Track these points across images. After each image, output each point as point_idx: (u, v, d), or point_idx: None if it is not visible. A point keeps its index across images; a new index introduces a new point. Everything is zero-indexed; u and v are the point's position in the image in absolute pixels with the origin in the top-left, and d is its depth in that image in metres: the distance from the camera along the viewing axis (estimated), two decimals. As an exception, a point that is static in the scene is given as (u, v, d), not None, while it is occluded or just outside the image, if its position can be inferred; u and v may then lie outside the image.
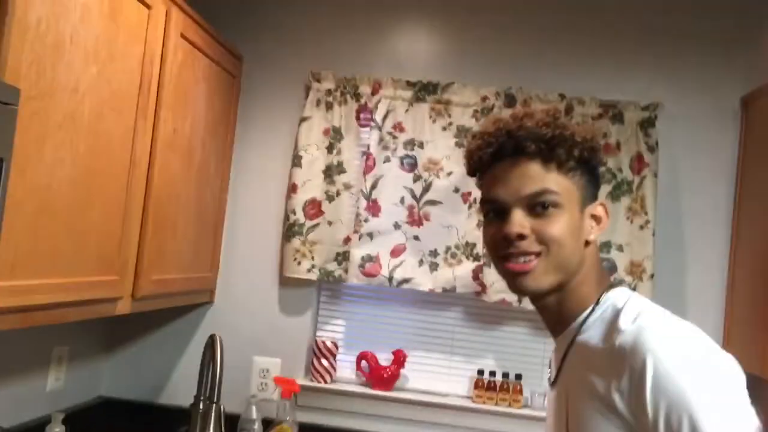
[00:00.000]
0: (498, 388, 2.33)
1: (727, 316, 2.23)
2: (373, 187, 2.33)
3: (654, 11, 2.35)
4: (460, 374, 2.41)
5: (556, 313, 1.05)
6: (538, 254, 0.99)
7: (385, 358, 2.39)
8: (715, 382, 0.88)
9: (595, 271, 1.05)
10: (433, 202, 2.32)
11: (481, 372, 2.35)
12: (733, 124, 2.29)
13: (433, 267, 2.31)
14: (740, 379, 0.90)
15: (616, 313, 0.97)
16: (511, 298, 2.24)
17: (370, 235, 2.32)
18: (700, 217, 2.29)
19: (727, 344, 2.19)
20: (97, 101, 1.53)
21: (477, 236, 2.28)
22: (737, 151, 2.27)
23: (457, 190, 2.31)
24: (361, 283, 2.33)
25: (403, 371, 2.38)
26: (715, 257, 2.27)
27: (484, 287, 2.26)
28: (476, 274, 2.27)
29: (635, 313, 0.95)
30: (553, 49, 2.38)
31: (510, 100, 2.31)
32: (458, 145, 2.32)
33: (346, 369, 2.43)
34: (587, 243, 1.03)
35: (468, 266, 2.28)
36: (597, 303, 1.02)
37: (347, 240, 2.35)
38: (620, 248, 2.23)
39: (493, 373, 2.35)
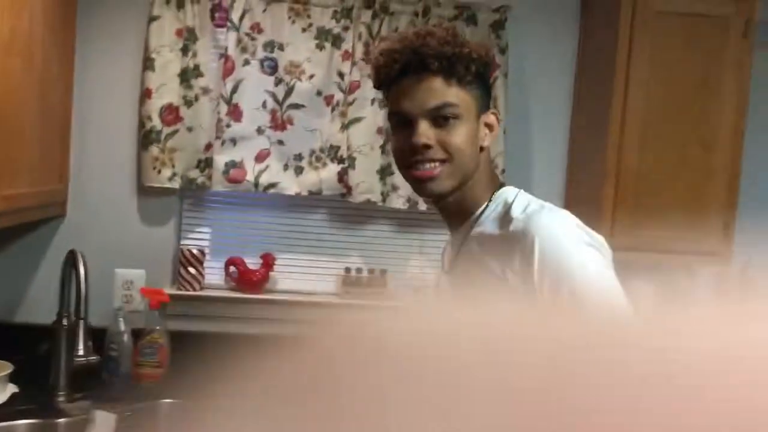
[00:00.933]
0: (365, 283, 2.45)
1: (566, 202, 2.47)
2: (234, 91, 2.27)
3: None
4: (328, 273, 2.50)
5: (454, 211, 1.18)
6: (442, 161, 1.11)
7: (253, 263, 2.41)
8: (589, 255, 1.03)
9: (487, 172, 1.19)
10: (296, 106, 2.31)
11: (348, 269, 2.45)
12: (573, 24, 2.45)
13: (299, 171, 2.33)
14: (609, 253, 1.07)
15: (508, 206, 1.12)
16: (376, 197, 2.33)
17: (233, 141, 2.28)
18: (544, 113, 2.47)
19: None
20: None
21: (341, 139, 2.32)
22: (577, 48, 2.45)
23: (319, 93, 2.31)
24: (227, 190, 2.30)
25: (272, 274, 2.42)
26: (556, 149, 2.48)
27: (349, 189, 2.32)
28: (341, 177, 2.32)
29: (524, 205, 1.11)
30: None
31: (369, 1, 2.31)
32: (319, 47, 2.30)
33: (214, 276, 2.43)
34: (482, 149, 1.16)
35: (333, 169, 2.33)
36: (490, 200, 1.16)
37: (209, 146, 2.29)
38: (475, 146, 2.37)
39: (359, 270, 2.46)
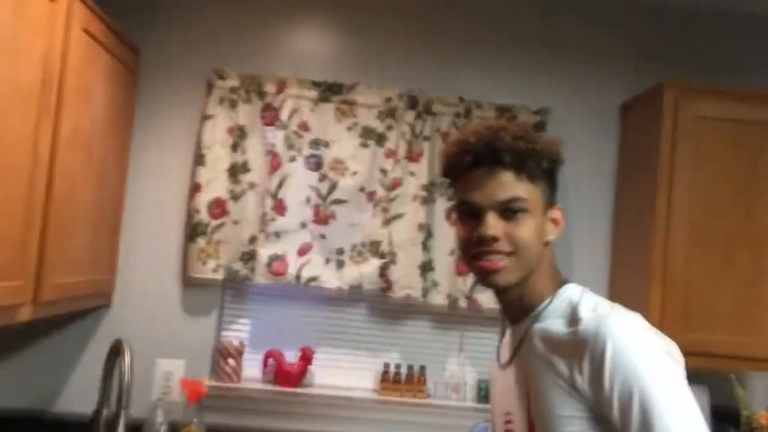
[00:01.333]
0: (403, 380, 2.41)
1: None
2: (279, 186, 2.34)
3: (547, 20, 2.52)
4: (366, 369, 2.47)
5: (517, 304, 1.18)
6: (509, 254, 1.12)
7: (292, 356, 2.40)
8: (662, 362, 1.01)
9: (551, 267, 1.19)
10: (338, 201, 2.36)
11: (386, 366, 2.42)
12: (613, 128, 2.49)
13: (340, 265, 2.35)
14: (681, 361, 1.05)
15: (575, 305, 1.11)
16: (416, 293, 2.33)
17: (277, 234, 2.32)
18: (585, 213, 2.48)
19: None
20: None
21: (382, 234, 2.35)
22: (616, 152, 2.48)
23: (362, 189, 2.36)
24: (269, 282, 2.33)
25: (310, 368, 2.40)
26: (598, 254, 2.47)
27: (389, 284, 2.33)
28: (382, 271, 2.34)
29: (593, 305, 1.09)
30: (453, 53, 2.48)
31: (413, 102, 2.39)
32: (363, 145, 2.38)
33: (252, 369, 2.42)
34: (546, 243, 1.16)
35: (374, 264, 2.34)
36: (554, 296, 1.15)
37: (253, 239, 2.34)
38: (516, 244, 2.37)
39: (398, 367, 2.43)
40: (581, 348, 1.04)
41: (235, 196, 2.34)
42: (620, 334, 1.02)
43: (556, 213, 1.18)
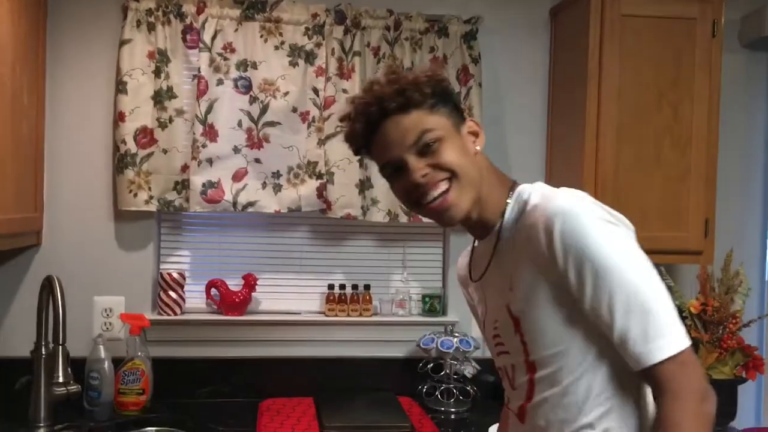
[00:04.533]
0: (348, 300, 2.42)
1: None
2: (208, 111, 2.26)
3: (470, -73, 2.45)
4: (311, 291, 2.47)
5: (478, 223, 1.19)
6: (447, 179, 1.12)
7: (235, 284, 2.38)
8: (609, 228, 1.05)
9: (495, 175, 1.20)
10: (271, 124, 2.30)
11: (331, 287, 2.42)
12: (544, 33, 2.48)
13: (277, 188, 2.31)
14: (632, 228, 1.09)
15: (525, 203, 1.14)
16: (356, 212, 2.31)
17: (210, 161, 2.26)
18: (519, 121, 2.48)
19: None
20: None
21: (318, 154, 2.31)
22: (548, 56, 2.47)
23: (295, 110, 2.30)
24: (205, 211, 2.27)
25: (254, 295, 2.39)
26: (535, 158, 2.49)
27: (329, 204, 2.31)
28: (320, 192, 2.31)
29: (538, 194, 1.12)
30: (379, -36, 2.40)
31: (340, 17, 2.32)
32: (292, 64, 2.30)
33: (195, 299, 2.39)
34: (476, 155, 1.17)
35: (312, 185, 2.31)
36: (510, 202, 1.17)
37: (185, 168, 2.27)
38: (452, 156, 2.37)
39: (342, 287, 2.43)
40: (537, 232, 1.07)
41: (163, 124, 2.25)
42: (567, 209, 1.05)
43: (470, 126, 1.19)
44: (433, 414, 2.21)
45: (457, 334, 2.32)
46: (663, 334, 1.01)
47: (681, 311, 2.11)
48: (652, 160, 2.15)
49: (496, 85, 2.46)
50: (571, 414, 1.10)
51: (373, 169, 2.33)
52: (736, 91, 2.50)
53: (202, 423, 2.06)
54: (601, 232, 1.03)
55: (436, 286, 2.52)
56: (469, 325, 2.44)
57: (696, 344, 2.06)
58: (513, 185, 1.19)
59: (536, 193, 1.14)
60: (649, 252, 1.08)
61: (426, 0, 2.40)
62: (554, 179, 2.43)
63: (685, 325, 2.09)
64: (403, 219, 2.37)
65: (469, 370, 2.30)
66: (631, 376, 1.07)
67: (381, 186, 2.34)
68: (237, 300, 2.35)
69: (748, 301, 2.21)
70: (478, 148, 1.18)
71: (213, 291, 2.36)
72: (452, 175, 1.12)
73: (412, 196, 1.14)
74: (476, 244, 1.29)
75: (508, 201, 1.17)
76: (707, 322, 2.06)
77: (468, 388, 2.30)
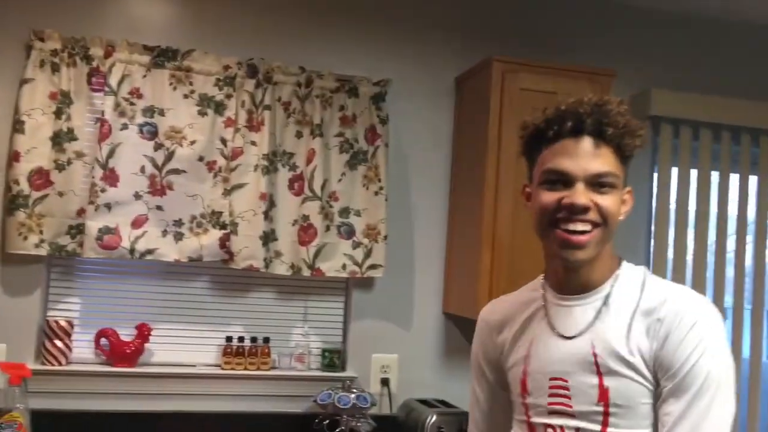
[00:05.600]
0: (246, 353, 2.38)
1: (446, 269, 2.55)
2: (110, 155, 2.21)
3: (383, -5, 2.56)
4: (208, 343, 2.41)
5: (583, 278, 1.19)
6: (596, 225, 1.12)
7: (127, 334, 2.30)
8: (730, 359, 1.12)
9: (611, 245, 1.21)
10: (176, 171, 2.27)
11: (229, 339, 2.38)
12: (449, 100, 2.59)
13: (178, 237, 2.27)
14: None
15: (646, 280, 1.18)
16: (259, 264, 2.30)
17: (108, 206, 2.20)
18: (424, 182, 2.56)
19: (447, 293, 2.51)
20: None
21: (223, 205, 2.30)
22: (452, 122, 2.58)
23: (201, 159, 2.29)
24: (100, 257, 2.20)
25: (147, 346, 2.31)
26: (436, 217, 2.56)
27: (231, 255, 2.29)
28: (223, 243, 2.29)
29: (666, 283, 1.19)
30: (294, 22, 2.46)
31: (252, 71, 2.34)
32: (201, 113, 2.30)
33: (84, 349, 2.29)
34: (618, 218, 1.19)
35: (215, 234, 2.29)
36: (619, 271, 1.20)
37: (81, 212, 2.20)
38: (358, 213, 2.41)
39: (241, 339, 2.39)
40: (664, 324, 1.11)
41: (60, 166, 2.19)
42: (708, 317, 1.11)
43: (626, 195, 1.20)
44: (327, 472, 2.19)
45: (354, 390, 2.31)
46: None
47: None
48: (545, 225, 2.26)
49: (402, 146, 2.54)
50: None
51: (279, 222, 2.34)
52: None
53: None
54: (725, 361, 1.11)
55: (336, 341, 2.52)
56: (367, 381, 2.45)
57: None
58: (620, 259, 1.23)
59: (659, 280, 1.20)
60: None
61: (337, 60, 2.47)
62: (454, 242, 2.51)
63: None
64: (306, 273, 2.37)
65: (365, 428, 2.30)
66: None
67: (285, 238, 2.35)
68: (128, 351, 2.27)
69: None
70: (622, 217, 1.19)
71: (102, 341, 2.27)
72: (603, 223, 1.13)
73: (558, 213, 1.13)
74: (549, 296, 1.25)
75: (617, 272, 1.20)
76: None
77: (363, 446, 2.29)
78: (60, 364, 2.21)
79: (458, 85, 2.57)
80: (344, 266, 2.40)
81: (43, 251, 2.17)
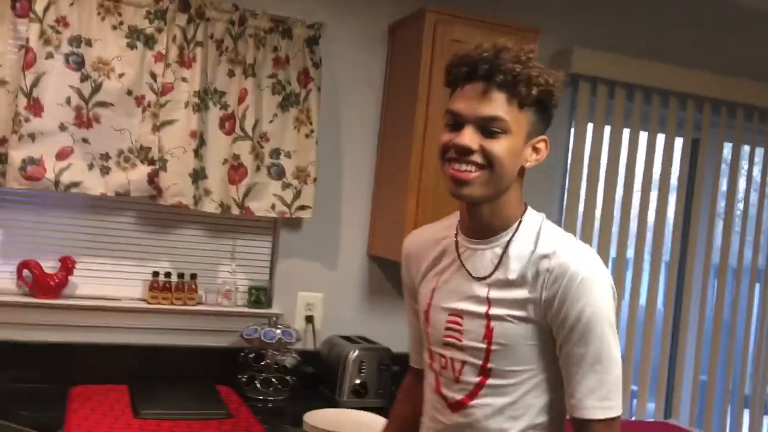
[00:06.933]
0: (173, 289, 2.41)
1: (373, 213, 2.64)
2: (34, 84, 2.15)
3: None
4: (134, 278, 2.43)
5: (486, 222, 1.25)
6: (481, 167, 1.17)
7: (51, 267, 2.28)
8: (613, 307, 1.22)
9: (519, 191, 1.27)
10: (103, 104, 2.24)
11: (155, 274, 2.41)
12: (382, 47, 2.63)
13: (105, 171, 2.26)
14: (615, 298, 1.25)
15: (543, 231, 1.26)
16: (188, 201, 2.32)
17: (32, 136, 2.16)
18: (354, 127, 2.62)
19: (373, 235, 2.61)
20: None
21: (152, 140, 2.29)
22: (384, 69, 2.63)
23: (130, 93, 2.26)
24: (23, 188, 2.17)
25: (72, 278, 2.31)
26: (365, 162, 2.64)
27: (160, 191, 2.29)
28: (152, 178, 2.29)
29: (559, 235, 1.27)
30: (228, -42, 2.43)
31: (184, 4, 2.31)
32: (130, 46, 2.26)
33: (5, 280, 2.27)
34: (522, 169, 1.24)
35: (143, 170, 2.28)
36: (522, 219, 1.27)
37: (4, 141, 2.15)
38: (288, 155, 2.45)
39: (168, 275, 2.42)
40: (558, 281, 1.19)
41: (-19, 93, 2.12)
42: (596, 281, 1.20)
43: (540, 143, 1.24)
44: (251, 402, 2.27)
45: (280, 326, 2.40)
46: (609, 398, 1.19)
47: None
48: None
49: (335, 90, 2.58)
50: (505, 426, 1.25)
51: (209, 160, 2.36)
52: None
53: (3, 408, 1.96)
54: (605, 305, 1.20)
55: (263, 279, 2.58)
56: (292, 318, 2.53)
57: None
58: (525, 206, 1.29)
59: (554, 232, 1.26)
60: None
61: (272, 0, 2.46)
62: (381, 187, 2.60)
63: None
64: (236, 211, 2.41)
65: (289, 361, 2.39)
66: (562, 419, 1.27)
67: (215, 177, 2.37)
68: (52, 283, 2.26)
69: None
70: (529, 164, 1.23)
71: (25, 272, 2.26)
72: (488, 166, 1.17)
73: (448, 153, 1.20)
74: (459, 238, 1.32)
75: (521, 219, 1.26)
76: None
77: (287, 378, 2.38)
78: (-20, 294, 2.18)
79: (391, 32, 2.62)
80: (273, 206, 2.44)
81: (-37, 180, 2.12)
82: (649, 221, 3.06)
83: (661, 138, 3.04)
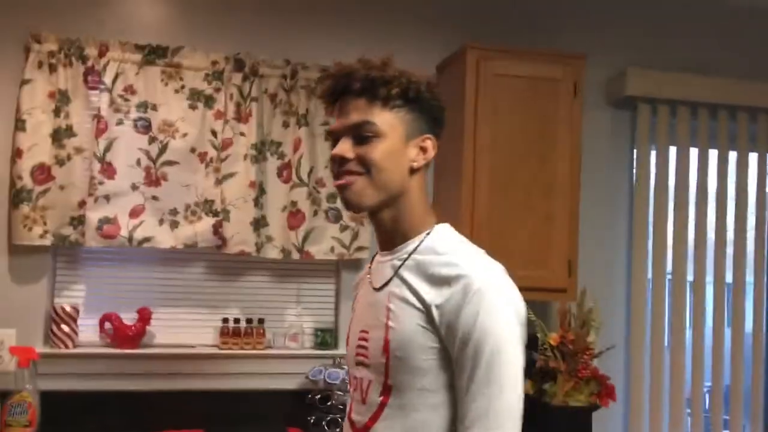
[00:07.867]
0: (242, 334, 2.51)
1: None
2: (107, 149, 2.34)
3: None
4: (206, 325, 2.55)
5: (390, 230, 1.25)
6: (359, 174, 1.18)
7: (129, 318, 2.44)
8: (516, 332, 1.13)
9: (423, 199, 1.26)
10: (170, 163, 2.40)
11: (225, 320, 2.51)
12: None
13: (174, 225, 2.40)
14: (524, 315, 1.16)
15: (451, 246, 1.19)
16: (250, 248, 2.42)
17: (107, 198, 2.34)
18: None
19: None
20: None
21: (215, 194, 2.42)
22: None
23: (193, 150, 2.42)
24: (100, 246, 2.34)
25: (149, 328, 2.45)
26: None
27: (224, 241, 2.41)
28: (216, 229, 2.41)
29: (467, 251, 1.19)
30: (278, 16, 2.57)
31: (239, 65, 2.46)
32: (191, 107, 2.42)
33: (89, 333, 2.44)
34: (413, 170, 1.22)
35: (208, 222, 2.41)
36: (430, 231, 1.22)
37: (82, 204, 2.34)
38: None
39: (237, 321, 2.53)
40: (454, 292, 1.12)
41: (60, 161, 2.32)
42: (492, 292, 1.11)
43: (425, 142, 1.23)
44: (319, 443, 2.31)
45: (345, 367, 2.44)
46: (498, 429, 1.10)
47: (543, 344, 2.31)
48: (522, 206, 2.37)
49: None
50: None
51: (269, 208, 2.47)
52: (601, 144, 2.77)
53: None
54: (502, 320, 1.11)
55: (328, 320, 2.64)
56: (357, 358, 2.56)
57: (554, 374, 2.26)
58: (438, 221, 1.26)
59: (462, 248, 1.19)
60: (519, 289, 1.16)
61: (321, 51, 2.56)
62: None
63: (546, 356, 2.26)
64: (296, 256, 2.50)
65: (355, 401, 2.42)
66: None
67: (275, 224, 2.47)
68: (130, 333, 2.41)
69: (614, 334, 2.43)
70: (415, 164, 1.21)
71: (106, 324, 2.41)
72: (366, 172, 1.17)
73: (332, 169, 1.23)
74: (377, 255, 1.32)
75: (429, 231, 1.23)
76: (565, 353, 2.26)
77: (354, 418, 2.41)
78: (67, 347, 2.35)
79: (440, 72, 2.66)
80: (332, 249, 2.52)
81: (47, 242, 2.31)
82: (728, 241, 2.92)
83: (733, 155, 2.92)
